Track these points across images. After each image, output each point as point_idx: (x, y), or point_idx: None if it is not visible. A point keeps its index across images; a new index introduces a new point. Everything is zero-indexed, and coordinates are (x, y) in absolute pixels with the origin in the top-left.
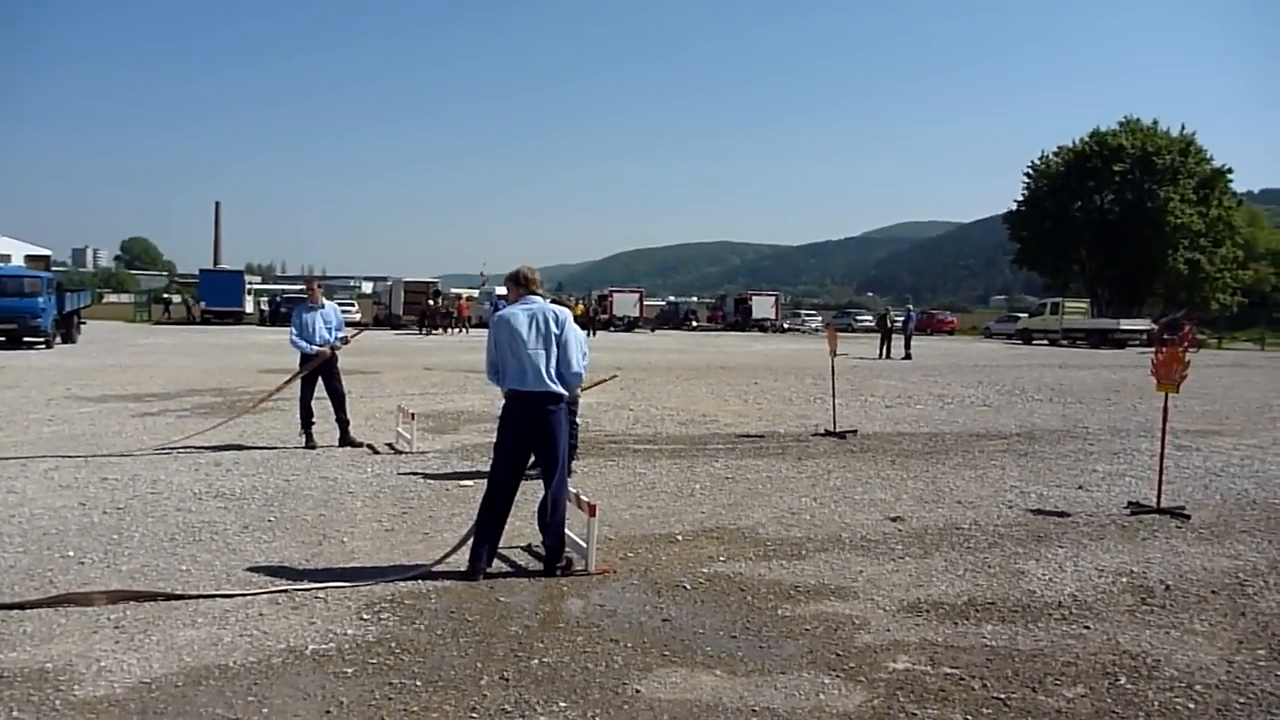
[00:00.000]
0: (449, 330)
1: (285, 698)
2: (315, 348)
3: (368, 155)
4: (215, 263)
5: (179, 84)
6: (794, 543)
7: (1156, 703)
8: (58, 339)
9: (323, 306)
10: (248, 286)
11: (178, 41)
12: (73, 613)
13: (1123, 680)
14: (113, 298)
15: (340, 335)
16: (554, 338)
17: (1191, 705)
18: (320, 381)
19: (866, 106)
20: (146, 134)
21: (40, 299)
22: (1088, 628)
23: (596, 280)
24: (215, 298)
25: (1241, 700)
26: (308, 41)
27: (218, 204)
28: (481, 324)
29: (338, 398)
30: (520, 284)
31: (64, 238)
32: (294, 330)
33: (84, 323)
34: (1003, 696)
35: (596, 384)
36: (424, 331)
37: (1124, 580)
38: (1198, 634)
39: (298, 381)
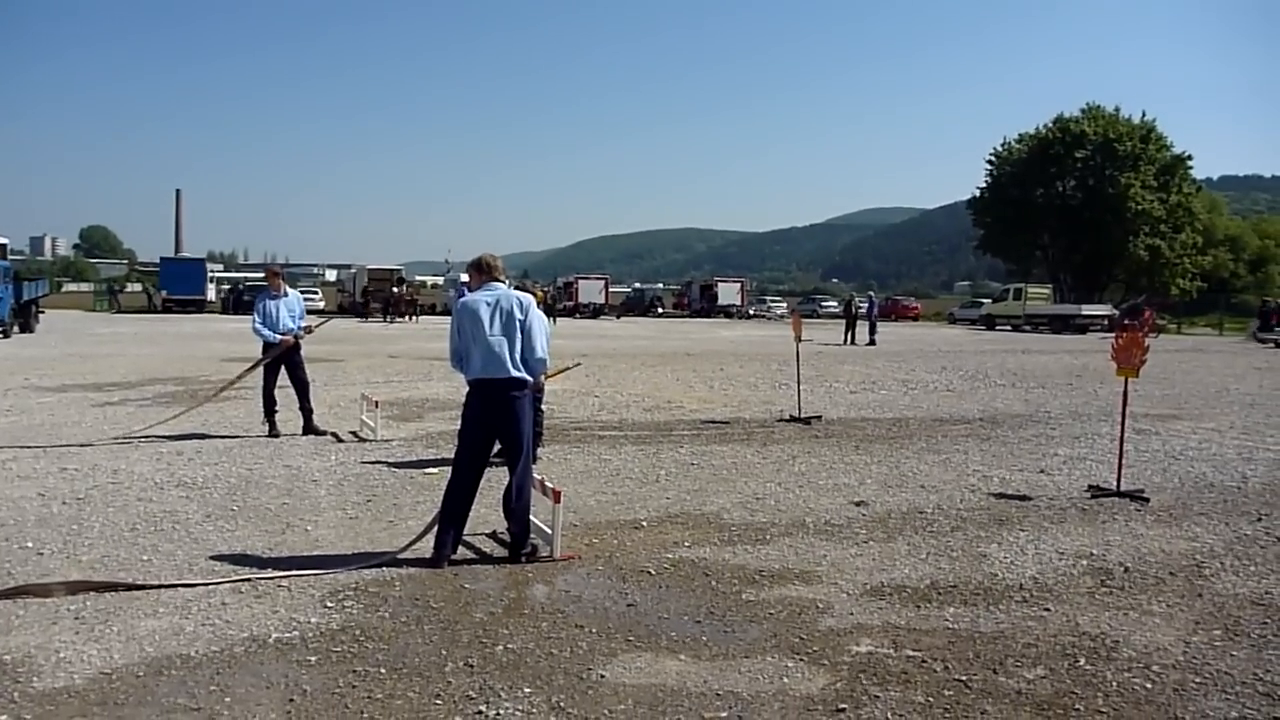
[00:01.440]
0: (412, 318)
1: (248, 687)
2: (278, 336)
3: (331, 143)
4: (176, 251)
5: (140, 72)
6: (758, 528)
7: (1115, 683)
8: (15, 328)
9: (285, 295)
10: (210, 275)
11: (137, 31)
12: (31, 604)
13: (1082, 661)
14: (72, 287)
15: (303, 325)
16: (518, 323)
17: (1149, 685)
18: (283, 370)
19: (831, 93)
20: (106, 121)
21: None
22: (1048, 610)
23: (562, 267)
24: (177, 286)
25: (1198, 680)
26: (270, 31)
27: (178, 191)
28: (442, 311)
29: (301, 386)
30: (482, 271)
31: (21, 226)
32: (257, 318)
33: (42, 312)
34: (964, 678)
35: (560, 371)
36: (386, 320)
37: (1084, 563)
38: (1156, 615)
39: (260, 370)
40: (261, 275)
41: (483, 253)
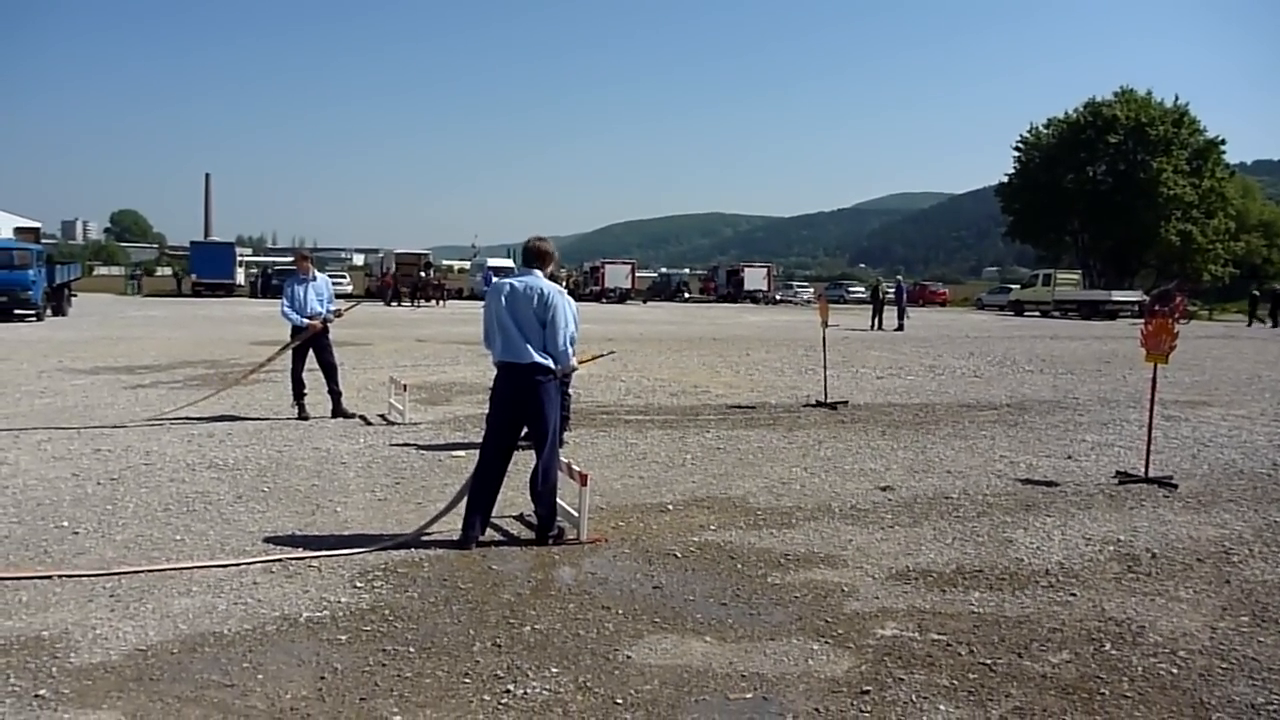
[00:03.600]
0: (440, 302)
1: (280, 664)
2: (306, 320)
3: (359, 127)
4: (206, 235)
5: (169, 56)
6: (784, 512)
7: (1140, 668)
8: (48, 311)
9: (314, 279)
10: (239, 259)
11: (167, 14)
12: (68, 582)
13: (1108, 646)
14: (103, 270)
15: (332, 309)
16: (536, 313)
17: (1175, 670)
18: (311, 353)
19: (860, 77)
20: (136, 106)
21: (30, 271)
22: (1074, 595)
23: (589, 252)
24: (206, 270)
25: (1224, 665)
26: (298, 14)
27: (208, 176)
28: (469, 296)
29: (329, 369)
30: (527, 258)
31: (54, 210)
32: (285, 302)
33: (74, 295)
34: (989, 662)
35: (591, 359)
36: (413, 304)
37: (1111, 548)
38: (1182, 601)
39: (289, 353)
40: (290, 259)
41: (531, 237)
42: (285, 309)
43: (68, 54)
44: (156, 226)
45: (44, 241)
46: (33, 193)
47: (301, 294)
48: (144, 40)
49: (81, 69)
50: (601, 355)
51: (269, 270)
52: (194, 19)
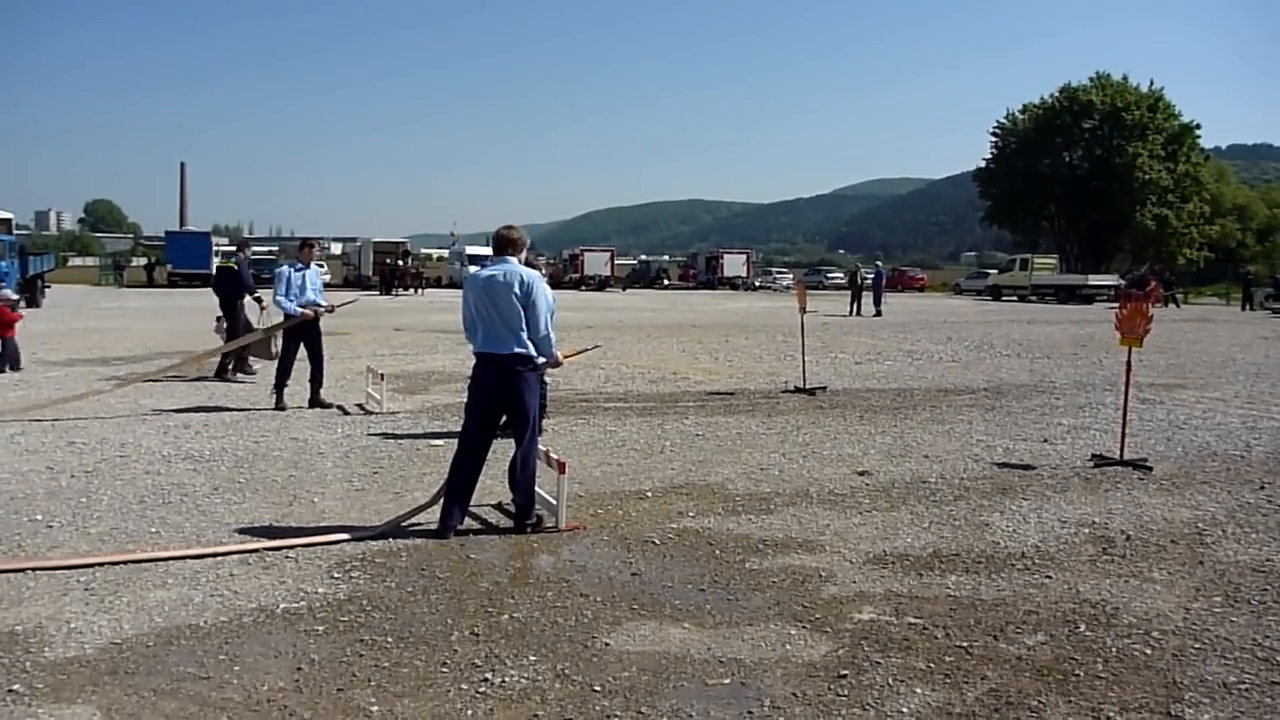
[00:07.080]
0: (418, 291)
1: (257, 656)
2: (300, 309)
3: (337, 115)
4: (181, 224)
5: (142, 44)
6: (762, 498)
7: (1115, 649)
8: (22, 303)
9: (309, 267)
10: (215, 248)
11: (141, 2)
12: (41, 575)
13: (1082, 628)
14: (77, 261)
15: (326, 306)
16: (517, 301)
17: (1149, 651)
18: (302, 345)
19: (837, 62)
20: (111, 94)
21: (3, 262)
22: (1049, 577)
23: (568, 239)
24: (182, 260)
25: (1197, 645)
26: (273, 2)
27: (183, 165)
28: (447, 284)
29: (318, 360)
30: (499, 245)
31: (26, 200)
32: (280, 287)
33: (48, 286)
34: (965, 645)
35: (578, 353)
36: (394, 292)
37: (1086, 531)
38: (1157, 582)
39: (280, 340)
40: (267, 249)
41: (502, 226)
42: (279, 297)
43: (40, 43)
44: (131, 216)
45: (17, 232)
46: (5, 183)
47: (299, 281)
48: (119, 28)
49: (55, 57)
50: (588, 349)
51: None
52: (169, 7)
